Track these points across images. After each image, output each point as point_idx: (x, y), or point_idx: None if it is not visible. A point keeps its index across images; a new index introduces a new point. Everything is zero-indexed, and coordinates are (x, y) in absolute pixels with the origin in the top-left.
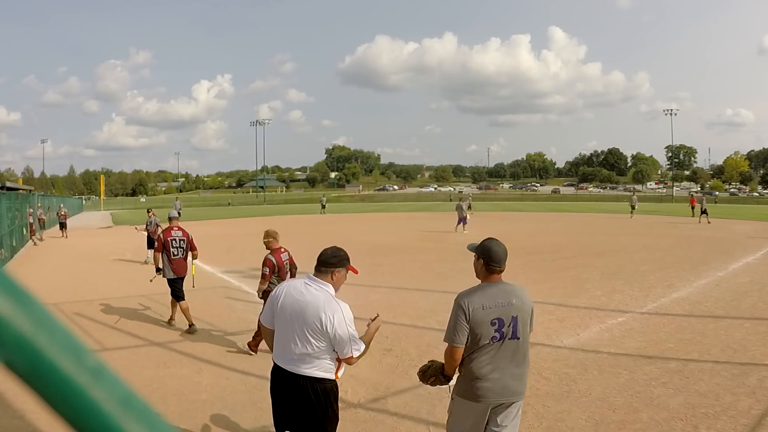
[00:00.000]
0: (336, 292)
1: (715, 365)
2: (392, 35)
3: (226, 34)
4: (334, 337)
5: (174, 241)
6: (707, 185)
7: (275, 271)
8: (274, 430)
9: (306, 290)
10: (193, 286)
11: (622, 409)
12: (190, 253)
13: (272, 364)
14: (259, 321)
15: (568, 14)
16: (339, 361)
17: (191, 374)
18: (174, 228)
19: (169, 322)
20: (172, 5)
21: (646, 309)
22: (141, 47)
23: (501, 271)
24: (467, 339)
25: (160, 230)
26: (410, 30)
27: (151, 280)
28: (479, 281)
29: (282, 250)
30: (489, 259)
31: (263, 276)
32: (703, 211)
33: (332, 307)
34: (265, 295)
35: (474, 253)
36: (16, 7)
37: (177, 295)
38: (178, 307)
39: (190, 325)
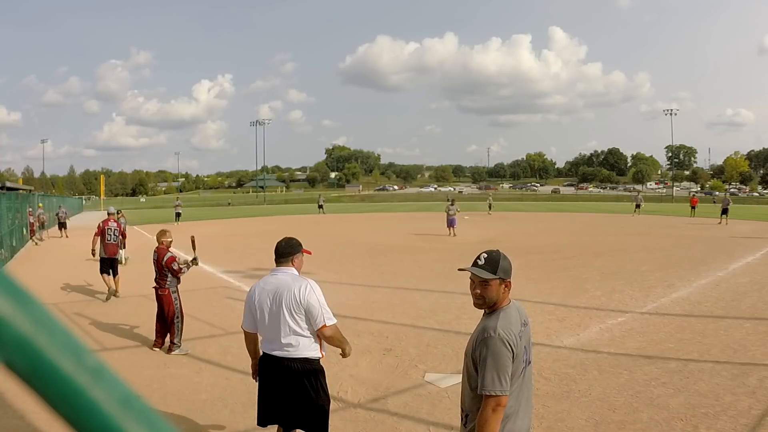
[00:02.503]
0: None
1: (715, 365)
2: (393, 35)
3: (227, 34)
4: (307, 307)
5: (109, 230)
6: (707, 185)
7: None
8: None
9: (275, 279)
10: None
11: (622, 409)
12: (121, 241)
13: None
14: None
15: (569, 14)
16: (319, 337)
17: (191, 374)
18: (110, 220)
19: (115, 295)
20: (172, 5)
21: (646, 309)
22: (142, 47)
23: None
24: None
25: (124, 227)
26: (411, 30)
27: (93, 254)
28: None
29: (156, 250)
30: (510, 276)
31: None
32: (724, 211)
33: (300, 282)
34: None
35: (485, 278)
36: (16, 7)
37: (105, 271)
38: (111, 279)
39: (112, 292)
